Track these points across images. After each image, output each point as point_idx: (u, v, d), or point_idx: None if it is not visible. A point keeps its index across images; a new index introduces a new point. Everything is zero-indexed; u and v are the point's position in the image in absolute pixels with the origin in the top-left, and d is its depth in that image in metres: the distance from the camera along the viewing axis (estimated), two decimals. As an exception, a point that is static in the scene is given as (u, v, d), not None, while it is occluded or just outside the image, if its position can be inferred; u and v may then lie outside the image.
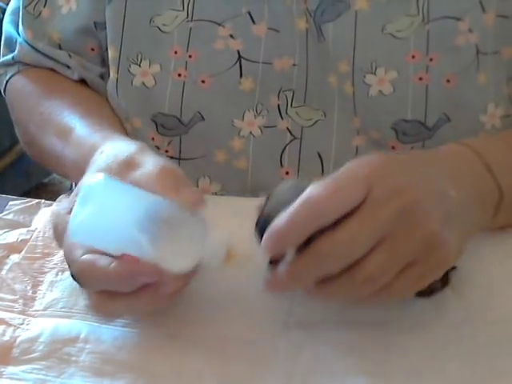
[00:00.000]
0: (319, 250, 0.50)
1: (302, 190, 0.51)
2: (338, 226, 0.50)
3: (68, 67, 0.79)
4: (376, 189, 0.51)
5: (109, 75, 0.77)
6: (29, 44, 0.80)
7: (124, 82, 0.74)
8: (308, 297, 0.57)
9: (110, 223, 0.51)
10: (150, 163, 0.55)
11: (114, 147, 0.59)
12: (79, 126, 0.69)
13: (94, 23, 0.76)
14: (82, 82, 0.80)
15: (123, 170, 0.55)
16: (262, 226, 0.53)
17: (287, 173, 0.73)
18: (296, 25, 0.70)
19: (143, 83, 0.73)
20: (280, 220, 0.50)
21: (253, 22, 0.71)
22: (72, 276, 0.54)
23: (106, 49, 0.77)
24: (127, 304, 0.53)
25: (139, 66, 0.73)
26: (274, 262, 0.53)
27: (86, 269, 0.52)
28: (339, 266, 0.51)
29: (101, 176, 0.53)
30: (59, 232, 0.56)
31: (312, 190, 0.50)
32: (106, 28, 0.75)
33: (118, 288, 0.52)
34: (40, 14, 0.78)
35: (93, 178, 0.53)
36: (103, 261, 0.51)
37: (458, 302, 0.59)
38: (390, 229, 0.50)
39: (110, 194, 0.52)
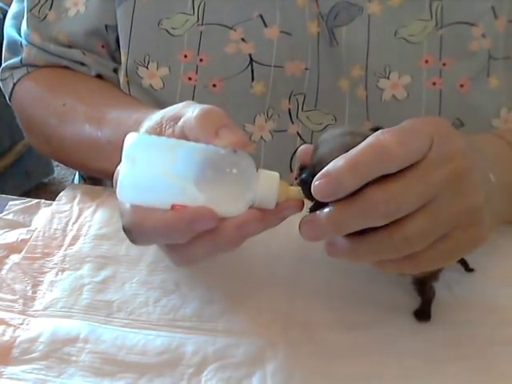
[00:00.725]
0: (369, 198, 0.48)
1: (360, 136, 0.49)
2: (391, 178, 0.48)
3: (83, 64, 0.78)
4: (435, 148, 0.49)
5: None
6: (37, 46, 0.79)
7: (134, 84, 0.75)
8: (309, 296, 0.57)
9: (154, 177, 0.49)
10: (192, 109, 0.52)
11: (162, 110, 0.56)
12: (112, 110, 0.69)
13: (106, 26, 0.76)
14: (98, 76, 0.79)
15: (173, 124, 0.53)
16: (310, 173, 0.50)
17: (296, 178, 0.73)
18: (308, 28, 0.70)
19: (151, 85, 0.73)
20: (340, 160, 0.48)
21: (265, 25, 0.70)
22: (124, 230, 0.52)
23: (117, 49, 0.77)
24: (183, 255, 0.51)
25: (147, 68, 0.73)
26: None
27: (139, 220, 0.50)
28: (383, 221, 0.49)
29: (135, 135, 0.51)
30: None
31: (380, 136, 0.48)
32: (117, 31, 0.75)
33: (173, 239, 0.50)
34: (46, 16, 0.77)
35: (129, 138, 0.51)
36: (156, 212, 0.49)
37: (457, 304, 0.59)
38: (438, 192, 0.49)
39: (150, 149, 0.50)
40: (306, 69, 0.71)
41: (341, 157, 0.48)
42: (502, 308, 0.59)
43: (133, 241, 0.52)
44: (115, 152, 0.56)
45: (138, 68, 0.73)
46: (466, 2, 0.68)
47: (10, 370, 0.53)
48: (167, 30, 0.72)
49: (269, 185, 0.51)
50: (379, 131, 0.49)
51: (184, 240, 0.50)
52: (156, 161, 0.50)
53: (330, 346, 0.56)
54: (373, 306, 0.58)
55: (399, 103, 0.70)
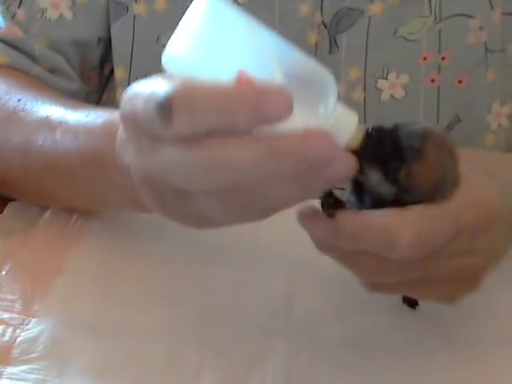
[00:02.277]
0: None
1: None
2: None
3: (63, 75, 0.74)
4: (459, 241, 0.45)
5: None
6: (7, 42, 0.73)
7: None
8: (309, 296, 0.57)
9: (227, 33, 0.40)
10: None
11: None
12: (74, 114, 0.59)
13: (99, 39, 0.74)
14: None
15: None
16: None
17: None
18: (308, 38, 0.70)
19: None
20: (355, 216, 0.43)
21: None
22: (160, 106, 0.37)
23: (98, 65, 0.75)
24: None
25: None
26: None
27: (189, 87, 0.37)
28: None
29: None
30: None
31: (398, 217, 0.43)
32: (106, 45, 0.74)
33: (233, 118, 0.37)
34: (14, 15, 0.73)
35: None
36: (213, 82, 0.38)
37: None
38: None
39: (224, 8, 0.40)
40: None
41: (352, 215, 0.43)
42: (502, 307, 0.59)
43: (170, 119, 0.37)
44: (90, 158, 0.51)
45: None
46: None
47: (9, 370, 0.53)
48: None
49: (346, 122, 0.42)
50: (404, 222, 0.42)
51: (247, 123, 0.37)
52: (230, 19, 0.40)
53: (330, 346, 0.56)
54: (373, 306, 0.58)
55: (397, 102, 0.69)
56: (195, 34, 0.39)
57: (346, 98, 0.70)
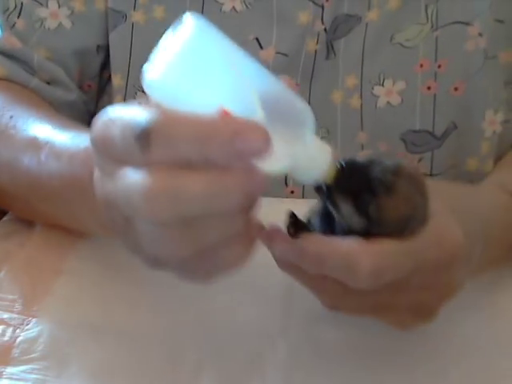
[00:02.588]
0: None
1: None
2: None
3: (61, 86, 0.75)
4: (419, 276, 0.46)
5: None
6: (5, 53, 0.73)
7: None
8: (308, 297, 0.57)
9: (208, 64, 0.39)
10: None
11: None
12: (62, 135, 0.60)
13: (97, 46, 0.74)
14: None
15: None
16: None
17: (292, 192, 0.72)
18: (307, 46, 0.70)
19: None
20: (317, 244, 0.44)
21: (260, 47, 0.70)
22: (139, 135, 0.37)
23: (97, 74, 0.76)
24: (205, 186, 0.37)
25: (144, 93, 0.72)
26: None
27: (168, 117, 0.37)
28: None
29: (192, 18, 0.39)
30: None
31: (360, 248, 0.44)
32: (104, 52, 0.74)
33: (206, 150, 0.36)
34: (14, 25, 0.73)
35: (186, 18, 0.40)
36: (193, 113, 0.37)
37: (458, 301, 0.59)
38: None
39: (208, 38, 0.39)
40: (297, 84, 0.71)
41: (318, 240, 0.44)
42: (503, 307, 0.59)
43: (147, 148, 0.37)
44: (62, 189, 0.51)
45: (136, 93, 0.73)
46: (461, 2, 0.68)
47: (9, 370, 0.53)
48: None
49: (320, 158, 0.42)
50: (365, 251, 0.43)
51: (223, 158, 0.37)
52: (213, 50, 0.39)
53: (330, 346, 0.56)
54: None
55: (394, 109, 0.69)
56: (178, 61, 0.39)
57: (343, 105, 0.71)
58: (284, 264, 0.47)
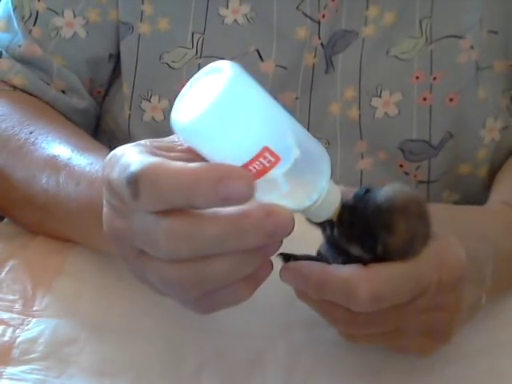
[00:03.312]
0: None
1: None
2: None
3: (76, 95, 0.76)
4: (427, 297, 0.47)
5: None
6: (25, 61, 0.74)
7: (135, 118, 0.75)
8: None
9: (252, 116, 0.40)
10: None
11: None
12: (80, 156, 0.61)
13: (110, 55, 0.76)
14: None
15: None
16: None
17: None
18: (305, 60, 0.71)
19: (153, 118, 0.74)
20: (313, 268, 0.47)
21: (261, 59, 0.71)
22: (128, 181, 0.39)
23: (107, 81, 0.77)
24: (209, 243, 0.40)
25: (149, 101, 0.74)
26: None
27: (156, 166, 0.39)
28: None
29: (228, 63, 0.41)
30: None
31: (359, 272, 0.45)
32: (116, 61, 0.76)
33: (193, 201, 0.39)
34: (30, 32, 0.74)
35: (217, 64, 0.41)
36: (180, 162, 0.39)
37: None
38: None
39: (244, 83, 0.40)
40: (297, 98, 0.72)
41: (319, 267, 0.47)
42: (503, 306, 0.59)
43: (137, 196, 0.39)
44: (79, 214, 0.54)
45: (141, 102, 0.74)
46: (454, 16, 0.70)
47: (9, 370, 0.53)
48: (168, 64, 0.73)
49: (333, 198, 0.45)
50: (364, 277, 0.45)
51: (207, 204, 0.39)
52: (250, 95, 0.40)
53: (330, 346, 0.56)
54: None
55: (391, 120, 0.71)
56: (219, 104, 0.39)
57: (342, 116, 0.72)
58: (299, 294, 0.50)
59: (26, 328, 0.57)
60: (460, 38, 0.69)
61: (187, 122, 0.40)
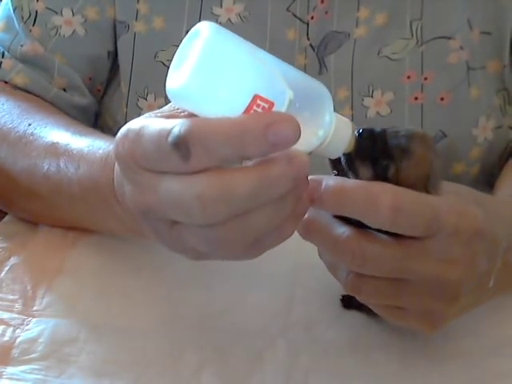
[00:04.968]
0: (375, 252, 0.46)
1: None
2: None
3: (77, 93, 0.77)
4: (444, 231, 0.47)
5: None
6: (27, 61, 0.75)
7: (133, 116, 0.74)
8: (308, 297, 0.57)
9: (235, 64, 0.40)
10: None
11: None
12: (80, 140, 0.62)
13: (108, 52, 0.77)
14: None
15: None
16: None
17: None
18: (296, 61, 0.72)
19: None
20: (331, 181, 0.46)
21: None
22: (174, 143, 0.39)
23: (105, 79, 0.78)
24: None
25: (146, 99, 0.74)
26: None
27: (200, 123, 0.39)
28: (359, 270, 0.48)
29: (206, 24, 0.41)
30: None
31: (386, 190, 0.45)
32: (114, 58, 0.76)
33: (243, 150, 0.39)
34: (30, 31, 0.75)
35: (197, 26, 0.42)
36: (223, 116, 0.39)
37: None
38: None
39: (226, 37, 0.41)
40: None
41: (335, 180, 0.46)
42: (503, 306, 0.59)
43: (188, 157, 0.39)
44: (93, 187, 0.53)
45: (138, 100, 0.75)
46: (443, 18, 0.71)
47: (9, 370, 0.53)
48: (163, 62, 0.74)
49: (342, 131, 0.44)
50: (387, 186, 0.45)
51: (259, 153, 0.39)
52: (233, 46, 0.41)
53: (330, 346, 0.56)
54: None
55: (383, 119, 0.72)
56: (201, 63, 0.40)
57: None
58: (310, 226, 0.48)
59: (26, 328, 0.57)
60: (449, 38, 0.70)
61: (175, 89, 0.40)
